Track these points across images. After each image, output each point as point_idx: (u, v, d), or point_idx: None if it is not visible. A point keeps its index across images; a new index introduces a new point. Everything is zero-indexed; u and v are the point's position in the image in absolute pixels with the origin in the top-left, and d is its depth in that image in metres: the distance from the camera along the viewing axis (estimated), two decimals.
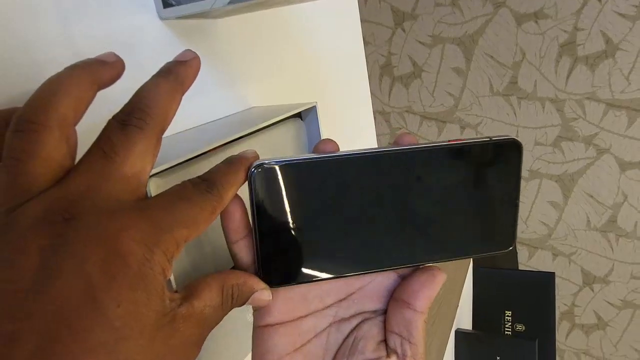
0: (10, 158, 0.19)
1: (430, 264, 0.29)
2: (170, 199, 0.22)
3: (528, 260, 1.77)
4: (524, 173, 1.66)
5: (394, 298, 0.29)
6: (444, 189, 0.27)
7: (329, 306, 0.30)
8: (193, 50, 0.25)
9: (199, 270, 0.32)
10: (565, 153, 1.58)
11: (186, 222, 0.21)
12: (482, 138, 0.26)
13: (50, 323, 0.17)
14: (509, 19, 1.53)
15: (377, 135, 0.81)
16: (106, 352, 0.17)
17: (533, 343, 1.05)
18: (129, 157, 0.20)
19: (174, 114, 0.23)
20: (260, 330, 0.29)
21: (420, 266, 0.29)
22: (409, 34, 1.70)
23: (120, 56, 0.23)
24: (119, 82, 0.34)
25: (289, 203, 0.25)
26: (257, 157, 0.25)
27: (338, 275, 0.27)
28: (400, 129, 1.83)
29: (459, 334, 1.12)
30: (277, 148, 0.40)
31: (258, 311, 0.29)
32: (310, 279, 0.27)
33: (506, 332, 1.20)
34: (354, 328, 0.30)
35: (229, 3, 0.32)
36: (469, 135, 1.71)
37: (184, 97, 0.24)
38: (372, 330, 0.29)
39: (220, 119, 0.42)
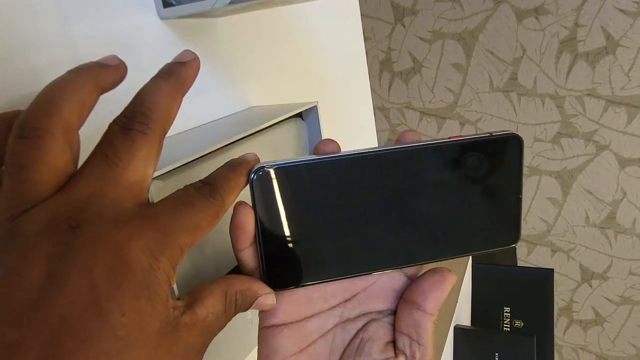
0: (13, 164, 0.19)
1: (438, 264, 0.28)
2: (174, 204, 0.21)
3: (527, 257, 1.77)
4: (524, 169, 1.66)
5: (404, 299, 0.29)
6: (446, 186, 0.27)
7: (334, 307, 0.30)
8: (193, 50, 0.24)
9: (201, 273, 0.32)
10: (564, 149, 1.58)
11: (190, 228, 0.21)
12: (483, 134, 0.26)
13: (54, 332, 0.17)
14: (510, 14, 1.52)
15: (377, 131, 0.81)
16: None
17: (532, 339, 1.06)
18: (133, 162, 0.20)
19: (176, 116, 0.23)
20: (265, 331, 0.29)
21: (426, 264, 0.29)
22: (409, 30, 1.70)
23: (121, 57, 0.23)
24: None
25: (291, 205, 0.25)
26: (257, 160, 0.25)
27: (343, 276, 0.27)
28: (399, 124, 1.83)
29: (458, 330, 1.12)
30: (278, 148, 0.40)
31: (264, 312, 0.29)
32: (314, 281, 0.27)
33: (504, 328, 1.20)
34: (360, 329, 0.30)
35: (230, 3, 0.32)
36: (468, 132, 1.71)
37: (184, 98, 0.23)
38: (379, 331, 0.29)
39: (221, 119, 0.42)
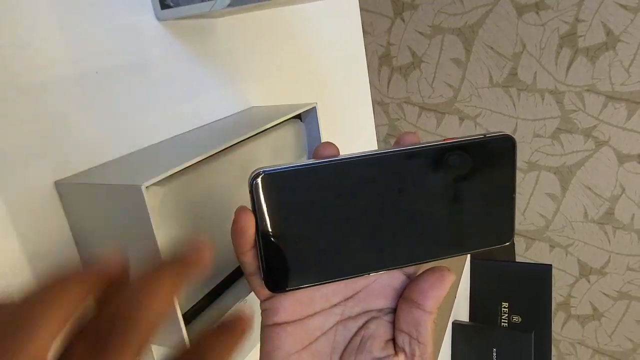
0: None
1: (436, 262, 0.29)
2: None
3: (525, 252, 1.78)
4: (523, 165, 1.66)
5: (404, 298, 0.30)
6: (443, 187, 0.27)
7: (335, 305, 0.30)
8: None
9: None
10: (564, 145, 1.58)
11: None
12: (477, 135, 0.27)
13: None
14: (510, 9, 1.51)
15: (376, 126, 0.81)
16: None
17: (529, 335, 1.06)
18: None
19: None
20: (268, 329, 0.29)
21: (424, 264, 0.29)
22: (408, 24, 1.69)
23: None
24: (123, 80, 0.33)
25: (290, 209, 0.25)
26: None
27: (342, 277, 0.28)
28: (398, 119, 1.83)
29: (456, 325, 1.13)
30: (277, 150, 0.40)
31: (266, 310, 0.29)
32: (314, 283, 0.27)
33: (502, 324, 1.21)
34: (361, 327, 0.30)
35: (229, 5, 0.32)
36: (468, 127, 1.71)
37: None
38: (380, 329, 0.30)
39: (220, 120, 0.42)
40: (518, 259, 1.75)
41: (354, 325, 0.30)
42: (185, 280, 0.19)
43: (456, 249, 0.29)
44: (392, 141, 1.87)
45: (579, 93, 1.50)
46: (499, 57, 1.57)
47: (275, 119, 0.37)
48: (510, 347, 1.09)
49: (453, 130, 1.74)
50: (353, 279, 0.29)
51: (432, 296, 0.28)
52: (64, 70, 0.30)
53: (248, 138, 0.36)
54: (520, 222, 1.73)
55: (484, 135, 0.27)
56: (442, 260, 0.29)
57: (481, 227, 0.29)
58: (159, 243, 0.26)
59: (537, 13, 1.48)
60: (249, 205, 0.25)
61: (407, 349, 0.28)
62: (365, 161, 0.26)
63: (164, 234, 0.29)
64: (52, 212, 0.29)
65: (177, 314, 0.28)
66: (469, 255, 1.19)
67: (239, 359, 0.41)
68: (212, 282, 0.34)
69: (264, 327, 0.30)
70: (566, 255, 1.71)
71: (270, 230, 0.25)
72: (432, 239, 0.28)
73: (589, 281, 1.71)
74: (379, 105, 1.83)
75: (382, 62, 1.77)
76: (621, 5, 1.37)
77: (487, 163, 0.27)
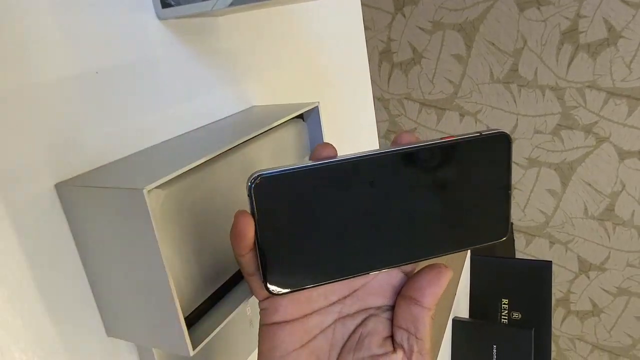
0: None
1: (432, 260, 0.29)
2: None
3: (525, 248, 1.78)
4: (523, 161, 1.65)
5: (402, 294, 0.30)
6: (440, 186, 0.27)
7: (333, 303, 0.31)
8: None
9: (201, 277, 0.32)
10: (564, 141, 1.58)
11: None
12: (473, 133, 0.27)
13: None
14: (511, 5, 1.51)
15: (377, 122, 0.80)
16: None
17: (529, 332, 1.06)
18: None
19: None
20: (266, 328, 0.30)
21: (422, 261, 0.29)
22: (409, 20, 1.68)
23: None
24: (123, 81, 0.33)
25: (289, 211, 0.25)
26: None
27: (341, 277, 0.28)
28: (399, 115, 1.82)
29: (456, 322, 1.13)
30: (279, 150, 0.39)
31: (265, 310, 0.30)
32: (314, 284, 0.27)
33: (502, 320, 1.21)
34: (359, 324, 0.30)
35: (231, 5, 0.31)
36: (468, 123, 1.70)
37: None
38: (378, 326, 0.30)
39: (221, 119, 0.41)
40: (518, 255, 1.75)
41: (352, 323, 0.31)
42: None
43: (454, 246, 0.29)
44: (393, 137, 1.87)
45: (579, 89, 1.50)
46: (499, 53, 1.57)
47: (277, 119, 0.37)
48: (510, 343, 1.09)
49: (453, 127, 1.74)
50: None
51: (430, 293, 0.28)
52: (63, 70, 0.29)
53: (250, 139, 0.36)
54: (521, 219, 1.73)
55: (480, 133, 0.27)
56: (441, 257, 0.29)
57: (478, 224, 0.29)
58: (160, 246, 0.26)
59: (539, 9, 1.47)
60: (247, 208, 0.25)
61: (405, 346, 0.29)
62: (362, 162, 0.26)
63: (166, 236, 0.28)
64: (53, 215, 0.28)
65: (179, 317, 0.27)
66: (469, 252, 1.19)
67: (240, 359, 0.41)
68: (214, 285, 0.33)
69: (263, 326, 0.30)
70: (566, 251, 1.71)
71: (269, 233, 0.25)
72: (430, 237, 0.28)
73: (588, 277, 1.71)
74: (380, 101, 1.82)
75: (383, 58, 1.77)
76: (623, 1, 1.37)
77: (484, 160, 0.28)
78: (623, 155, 1.51)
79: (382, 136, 1.87)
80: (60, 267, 0.29)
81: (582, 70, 1.48)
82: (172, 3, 0.33)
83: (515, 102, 1.60)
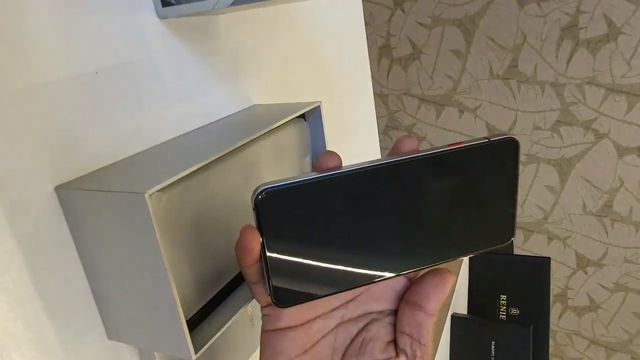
0: None
1: (437, 266, 0.29)
2: None
3: (523, 244, 1.78)
4: (522, 157, 1.65)
5: (405, 300, 0.30)
6: (447, 193, 0.27)
7: (336, 308, 0.31)
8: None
9: (202, 280, 0.32)
10: (563, 138, 1.58)
11: None
12: (481, 140, 0.27)
13: None
14: (511, 0, 1.50)
15: (376, 117, 0.80)
16: None
17: (528, 328, 1.07)
18: None
19: None
20: (269, 334, 0.29)
21: (429, 268, 0.29)
22: (408, 15, 1.67)
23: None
24: (123, 81, 0.32)
25: (295, 224, 0.25)
26: None
27: (348, 288, 0.27)
28: (398, 111, 1.82)
29: (455, 318, 1.13)
30: (281, 151, 0.39)
31: (268, 316, 0.29)
32: (320, 295, 0.27)
33: (501, 316, 1.21)
34: (362, 329, 0.30)
35: (232, 4, 0.31)
36: (467, 119, 1.70)
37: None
38: (380, 331, 0.30)
39: (222, 119, 0.41)
40: (516, 251, 1.76)
41: (354, 328, 0.30)
42: None
43: (460, 252, 0.29)
44: (392, 133, 1.87)
45: (579, 85, 1.50)
46: (499, 48, 1.56)
47: (278, 118, 0.37)
48: (509, 340, 1.09)
49: (453, 123, 1.73)
50: None
51: (434, 299, 0.28)
52: (63, 71, 0.29)
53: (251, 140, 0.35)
54: (519, 215, 1.73)
55: (488, 139, 0.27)
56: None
57: (484, 229, 0.29)
58: (162, 249, 0.26)
59: (539, 4, 1.46)
60: (252, 218, 0.25)
61: (408, 351, 0.29)
62: (369, 173, 0.25)
63: (167, 239, 0.28)
64: (53, 218, 0.28)
65: (181, 321, 0.27)
66: None
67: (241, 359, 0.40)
68: (216, 288, 0.33)
69: (265, 332, 0.30)
70: (564, 247, 1.72)
71: (275, 246, 0.25)
72: (437, 244, 0.28)
73: (586, 273, 1.72)
74: (379, 96, 1.82)
75: (382, 53, 1.76)
76: None
77: (491, 166, 0.27)
78: (622, 151, 1.51)
79: (381, 132, 1.87)
80: (61, 271, 0.29)
81: (582, 66, 1.47)
82: (173, 2, 0.33)
83: (514, 98, 1.60)
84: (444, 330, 1.06)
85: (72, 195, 0.27)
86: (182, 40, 0.37)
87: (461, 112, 1.70)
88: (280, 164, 0.39)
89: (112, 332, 0.31)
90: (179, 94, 0.37)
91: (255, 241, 0.25)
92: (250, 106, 0.45)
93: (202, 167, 0.30)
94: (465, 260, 1.20)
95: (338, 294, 0.29)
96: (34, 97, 0.27)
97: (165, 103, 0.35)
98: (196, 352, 0.28)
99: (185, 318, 0.28)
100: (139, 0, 0.33)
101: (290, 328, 0.29)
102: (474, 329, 1.13)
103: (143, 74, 0.34)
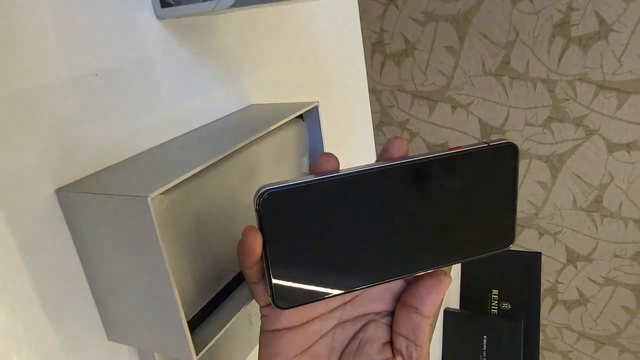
0: None
1: (436, 269, 0.29)
2: None
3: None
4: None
5: (402, 302, 0.30)
6: (447, 197, 0.27)
7: (334, 309, 0.31)
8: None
9: (202, 280, 0.32)
10: (554, 134, 1.59)
11: None
12: (480, 144, 0.27)
13: None
14: None
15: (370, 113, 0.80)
16: None
17: (519, 323, 1.08)
18: None
19: None
20: (267, 335, 0.30)
21: (428, 271, 0.29)
22: (402, 11, 1.67)
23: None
24: (123, 82, 0.32)
25: (296, 226, 0.25)
26: None
27: (350, 289, 0.28)
28: (391, 107, 1.82)
29: (448, 313, 1.14)
30: (280, 152, 0.39)
31: (267, 317, 0.30)
32: (320, 298, 0.27)
33: (492, 310, 1.23)
34: (359, 330, 0.31)
35: (233, 6, 0.31)
36: (460, 115, 1.71)
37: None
38: (378, 332, 0.30)
39: (220, 119, 0.41)
40: None
41: (352, 329, 0.31)
42: None
43: (460, 256, 0.29)
44: (385, 129, 1.87)
45: (570, 82, 1.51)
46: (492, 45, 1.57)
47: (276, 119, 0.37)
48: (500, 334, 1.11)
49: (445, 119, 1.74)
50: None
51: (430, 301, 0.29)
52: (62, 72, 0.29)
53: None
54: None
55: (488, 144, 0.27)
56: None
57: (484, 233, 0.29)
58: (164, 252, 0.26)
59: (531, 1, 1.47)
60: (254, 221, 0.25)
61: (404, 352, 0.29)
62: (369, 175, 0.26)
63: (168, 241, 0.28)
64: (53, 220, 0.28)
65: (182, 322, 0.27)
66: None
67: (239, 358, 0.41)
68: (216, 288, 0.33)
69: (264, 332, 0.30)
70: (555, 242, 1.74)
71: (277, 248, 0.25)
72: (436, 248, 0.28)
73: (576, 267, 1.74)
74: (372, 92, 1.82)
75: (375, 49, 1.76)
76: None
77: (490, 171, 0.28)
78: (612, 147, 1.53)
79: (374, 128, 1.87)
80: (61, 273, 0.29)
81: (573, 63, 1.48)
82: (172, 3, 0.33)
83: (507, 94, 1.60)
84: (436, 325, 1.07)
85: (72, 198, 0.27)
86: (181, 40, 0.37)
87: (454, 108, 1.71)
88: (279, 164, 0.39)
89: (112, 333, 0.31)
90: (177, 94, 0.37)
91: (257, 242, 0.25)
92: (247, 106, 0.45)
93: (203, 170, 0.30)
94: None
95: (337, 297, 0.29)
96: (33, 100, 0.27)
97: (164, 104, 0.35)
98: (197, 354, 0.29)
99: (186, 318, 0.28)
100: (138, 1, 0.33)
101: (288, 329, 0.29)
102: (466, 323, 1.14)
103: (142, 75, 0.33)
